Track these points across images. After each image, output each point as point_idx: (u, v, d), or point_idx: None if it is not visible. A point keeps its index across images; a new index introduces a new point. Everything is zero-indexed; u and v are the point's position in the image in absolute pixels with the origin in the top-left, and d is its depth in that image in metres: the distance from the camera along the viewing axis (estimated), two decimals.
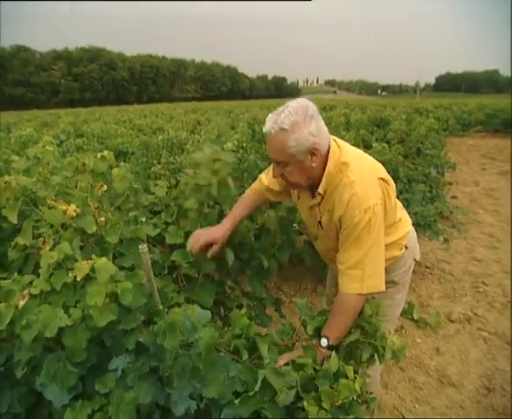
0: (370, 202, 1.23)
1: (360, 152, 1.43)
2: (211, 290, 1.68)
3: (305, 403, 0.96)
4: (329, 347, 1.24)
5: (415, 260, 1.63)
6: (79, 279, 1.14)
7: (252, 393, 1.04)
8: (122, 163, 4.93)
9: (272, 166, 1.41)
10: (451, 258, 4.08)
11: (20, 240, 1.47)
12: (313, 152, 1.24)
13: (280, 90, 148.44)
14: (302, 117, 1.18)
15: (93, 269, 1.17)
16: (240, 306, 1.79)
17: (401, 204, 1.58)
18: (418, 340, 2.75)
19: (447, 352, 2.63)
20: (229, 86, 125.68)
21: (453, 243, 4.32)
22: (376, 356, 1.24)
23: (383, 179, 1.33)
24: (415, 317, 2.91)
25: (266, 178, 1.60)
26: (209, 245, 1.51)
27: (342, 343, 1.28)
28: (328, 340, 1.25)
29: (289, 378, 1.05)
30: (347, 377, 1.04)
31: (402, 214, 1.54)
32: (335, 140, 1.35)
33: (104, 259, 1.19)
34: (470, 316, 3.01)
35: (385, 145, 3.41)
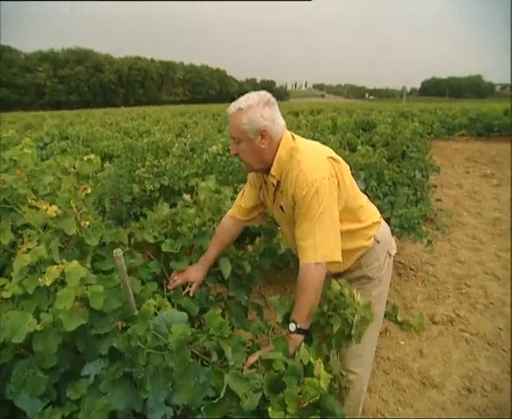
0: (316, 175, 1.30)
1: (314, 142, 1.53)
2: (199, 297, 1.65)
3: (269, 410, 0.94)
4: (299, 331, 1.25)
5: (390, 255, 1.65)
6: (48, 284, 1.10)
7: (217, 400, 1.02)
8: (107, 165, 4.84)
9: (243, 189, 1.68)
10: (435, 260, 4.12)
11: (1, 239, 1.42)
12: (263, 134, 1.36)
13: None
14: (257, 101, 1.35)
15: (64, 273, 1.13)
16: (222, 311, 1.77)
17: (366, 197, 1.64)
18: (402, 343, 2.76)
19: (430, 354, 2.65)
20: (217, 90, 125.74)
21: (437, 245, 4.38)
22: (346, 330, 1.23)
23: (332, 158, 1.41)
24: (399, 319, 2.93)
25: (240, 198, 1.69)
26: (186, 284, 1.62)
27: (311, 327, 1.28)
28: (295, 323, 1.26)
29: (254, 381, 1.03)
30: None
31: (366, 204, 1.59)
32: (292, 135, 1.46)
33: (75, 263, 1.16)
34: (453, 317, 3.04)
35: (370, 148, 3.44)
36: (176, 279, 1.59)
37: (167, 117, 15.93)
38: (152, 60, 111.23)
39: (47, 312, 1.13)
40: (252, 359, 1.19)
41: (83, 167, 1.58)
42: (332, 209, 1.31)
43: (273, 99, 1.38)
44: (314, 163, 1.34)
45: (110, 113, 21.11)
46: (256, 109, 1.33)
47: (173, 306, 1.61)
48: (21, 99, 72.71)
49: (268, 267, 1.81)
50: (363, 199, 1.60)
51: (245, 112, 1.34)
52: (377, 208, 3.17)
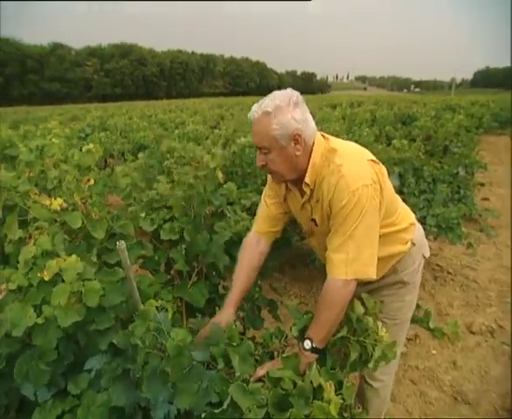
0: (359, 183, 1.16)
1: (348, 142, 1.38)
2: (204, 289, 1.62)
3: None
4: (313, 350, 1.15)
5: (424, 257, 1.53)
6: (46, 279, 1.09)
7: (220, 410, 0.95)
8: (141, 154, 4.95)
9: (262, 198, 1.49)
10: (476, 264, 3.81)
11: (8, 234, 1.46)
12: (296, 138, 1.20)
13: (308, 86, 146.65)
14: (286, 102, 1.18)
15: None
16: None
17: (399, 197, 1.49)
18: (434, 352, 2.57)
19: (465, 366, 2.44)
20: (257, 82, 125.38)
21: (481, 248, 4.05)
22: (363, 357, 1.12)
23: (373, 161, 1.25)
24: (431, 326, 2.73)
25: (264, 207, 1.49)
26: None
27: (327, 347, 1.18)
28: (311, 341, 1.15)
29: (259, 396, 0.95)
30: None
31: (401, 206, 1.46)
32: (323, 136, 1.31)
33: (73, 257, 1.14)
34: (494, 328, 2.79)
35: (405, 142, 3.21)
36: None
37: (204, 109, 16.11)
38: (193, 53, 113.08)
39: (49, 305, 1.12)
40: (260, 372, 1.11)
41: (83, 158, 1.57)
42: (371, 221, 1.18)
43: (301, 98, 1.22)
44: (357, 168, 1.19)
45: (151, 106, 21.72)
46: (286, 111, 1.17)
47: (179, 299, 1.60)
48: (71, 92, 77.03)
49: (282, 260, 1.71)
50: (399, 201, 1.46)
51: (273, 115, 1.16)
52: (412, 206, 2.99)
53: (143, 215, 2.06)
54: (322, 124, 6.81)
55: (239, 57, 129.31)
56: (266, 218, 1.48)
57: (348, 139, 3.51)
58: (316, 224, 1.34)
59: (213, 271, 1.71)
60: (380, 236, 1.25)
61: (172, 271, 1.75)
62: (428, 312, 2.79)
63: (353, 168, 1.19)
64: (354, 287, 1.17)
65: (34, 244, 1.26)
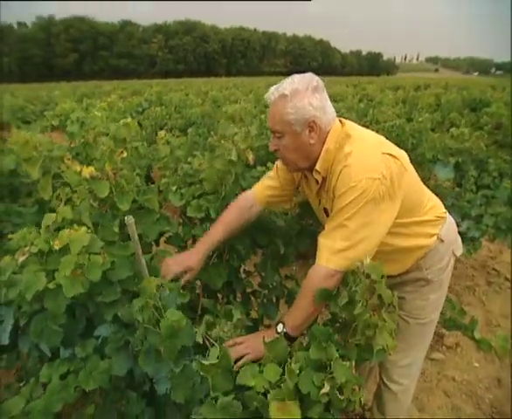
0: (363, 175, 1.07)
1: (368, 131, 1.27)
2: (223, 271, 1.58)
3: None
4: (286, 336, 1.10)
5: (455, 256, 1.39)
6: (57, 248, 1.12)
7: None
8: (190, 130, 5.04)
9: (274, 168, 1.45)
10: None
11: (43, 195, 1.53)
12: (311, 126, 1.15)
13: (374, 67, 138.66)
14: (305, 86, 1.13)
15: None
16: (252, 293, 1.66)
17: (429, 191, 1.38)
18: (476, 365, 2.32)
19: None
20: (320, 61, 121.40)
21: None
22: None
23: (390, 154, 1.13)
24: (476, 336, 2.48)
25: (274, 175, 1.46)
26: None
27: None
28: (283, 325, 1.12)
29: (232, 409, 0.91)
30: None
31: (429, 198, 1.34)
32: (341, 121, 1.24)
33: (83, 229, 1.15)
34: None
35: (465, 130, 2.87)
36: (172, 266, 1.29)
37: (261, 88, 15.98)
38: (255, 30, 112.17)
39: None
40: (240, 347, 1.11)
41: (119, 130, 1.58)
42: (371, 217, 1.08)
43: (321, 83, 1.17)
44: (365, 159, 1.11)
45: (210, 83, 22.05)
46: (304, 96, 1.12)
47: (196, 279, 1.58)
48: (136, 68, 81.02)
49: (306, 248, 1.62)
50: (425, 194, 1.34)
51: (290, 99, 1.12)
52: (468, 202, 2.69)
53: (174, 188, 2.07)
54: (379, 107, 6.39)
55: (302, 35, 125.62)
56: (272, 188, 1.43)
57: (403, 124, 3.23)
58: (327, 215, 1.26)
59: (234, 254, 1.67)
60: (400, 225, 1.20)
61: None
62: (475, 320, 2.53)
63: (361, 159, 1.10)
64: (337, 280, 1.09)
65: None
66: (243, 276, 1.70)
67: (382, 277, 0.96)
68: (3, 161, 2.03)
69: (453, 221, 1.40)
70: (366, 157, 1.11)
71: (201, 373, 1.01)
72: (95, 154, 1.97)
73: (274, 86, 1.18)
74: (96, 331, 1.25)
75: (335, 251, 1.09)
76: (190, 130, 4.53)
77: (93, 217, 1.42)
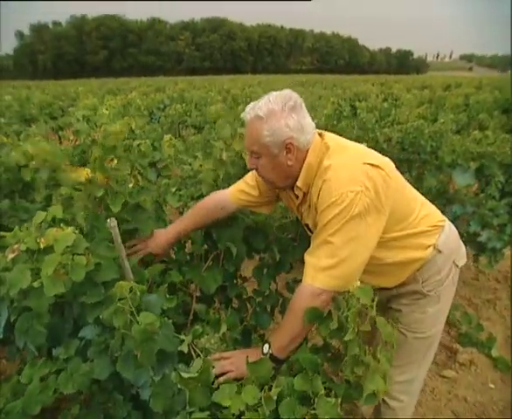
0: (344, 189, 1.02)
1: (349, 142, 1.22)
2: (218, 275, 1.53)
3: None
4: (271, 358, 1.06)
5: (456, 266, 1.30)
6: (42, 246, 1.11)
7: None
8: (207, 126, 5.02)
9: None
10: None
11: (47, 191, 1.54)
12: (289, 147, 1.11)
13: (403, 65, 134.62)
14: (281, 106, 1.09)
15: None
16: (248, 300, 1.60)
17: (422, 199, 1.31)
18: (491, 386, 2.17)
19: None
20: (347, 60, 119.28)
21: None
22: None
23: (372, 165, 1.08)
24: (493, 354, 2.33)
25: (250, 178, 1.41)
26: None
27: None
28: (269, 346, 1.08)
29: None
30: None
31: (422, 207, 1.26)
32: (320, 134, 1.20)
33: (69, 229, 1.13)
34: None
35: (489, 133, 2.69)
36: (135, 246, 1.39)
37: (284, 86, 15.85)
38: (282, 28, 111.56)
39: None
40: (225, 362, 1.07)
41: (107, 138, 1.56)
42: (356, 232, 1.03)
43: (299, 101, 1.12)
44: (345, 171, 1.07)
45: (235, 80, 22.12)
46: (280, 117, 1.08)
47: (190, 282, 1.54)
48: (163, 65, 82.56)
49: (300, 257, 1.55)
50: (417, 201, 1.27)
51: (265, 120, 1.09)
52: (489, 210, 2.52)
53: (174, 189, 2.05)
54: (403, 107, 6.16)
55: (330, 32, 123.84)
56: (249, 194, 1.39)
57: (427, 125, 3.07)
58: (310, 230, 1.22)
59: (230, 259, 1.62)
60: (391, 240, 1.16)
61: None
62: (493, 336, 2.38)
63: (340, 171, 1.07)
64: (325, 300, 1.03)
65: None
66: (239, 281, 1.66)
67: (373, 300, 0.89)
68: (13, 157, 2.07)
69: (454, 229, 1.31)
70: (346, 169, 1.07)
71: (179, 385, 0.97)
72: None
73: (251, 105, 1.14)
74: (81, 332, 1.23)
75: (320, 269, 1.04)
76: (213, 128, 4.54)
77: (88, 218, 1.41)
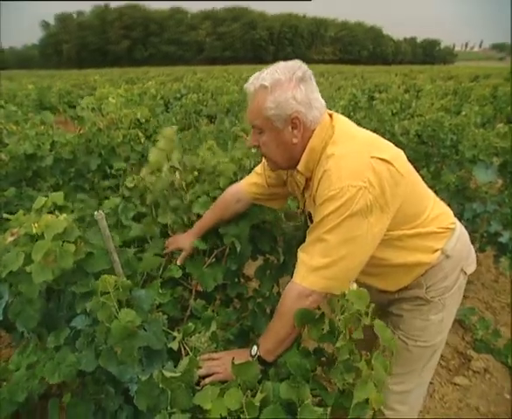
0: (345, 182, 0.92)
1: (359, 128, 1.11)
2: (219, 273, 1.47)
3: None
4: (259, 360, 1.00)
5: (464, 273, 1.19)
6: (34, 232, 1.08)
7: None
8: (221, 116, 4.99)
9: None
10: None
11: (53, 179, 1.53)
12: (294, 122, 1.01)
13: (429, 55, 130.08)
14: (288, 77, 0.99)
15: None
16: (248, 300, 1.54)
17: (433, 197, 1.19)
18: (507, 396, 2.04)
19: None
20: (370, 50, 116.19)
21: None
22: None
23: (381, 159, 0.96)
24: (510, 362, 2.20)
25: (260, 171, 1.36)
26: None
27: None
28: (257, 348, 1.02)
29: None
30: None
31: (433, 207, 1.15)
32: (330, 115, 1.09)
33: (63, 216, 1.10)
34: None
35: None
36: (168, 246, 1.44)
37: None
38: (304, 17, 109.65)
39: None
40: (213, 363, 1.03)
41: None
42: (354, 232, 0.94)
43: (309, 73, 1.02)
44: (348, 162, 0.96)
45: (255, 70, 21.83)
46: (287, 88, 0.98)
47: (188, 279, 1.50)
48: (184, 54, 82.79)
49: None
50: (430, 200, 1.16)
51: (270, 91, 0.98)
52: None
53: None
54: (426, 98, 5.93)
55: (353, 21, 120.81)
56: (258, 186, 1.33)
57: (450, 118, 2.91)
58: (311, 221, 1.13)
59: (233, 257, 1.56)
60: (394, 239, 1.06)
61: None
62: (511, 344, 2.23)
63: (342, 162, 0.96)
64: (314, 301, 0.96)
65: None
66: (242, 280, 1.60)
67: (368, 307, 0.81)
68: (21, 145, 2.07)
69: (464, 232, 1.20)
70: (349, 161, 0.96)
71: (160, 385, 0.93)
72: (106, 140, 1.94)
73: (255, 75, 1.04)
74: (72, 321, 1.21)
75: (311, 269, 0.96)
76: (218, 118, 4.48)
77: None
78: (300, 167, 1.07)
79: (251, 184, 1.35)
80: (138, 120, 2.23)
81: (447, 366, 2.18)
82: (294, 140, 1.03)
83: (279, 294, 1.51)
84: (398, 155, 1.04)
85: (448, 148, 2.65)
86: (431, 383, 2.03)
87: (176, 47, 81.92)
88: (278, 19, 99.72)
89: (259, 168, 1.34)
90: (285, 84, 0.97)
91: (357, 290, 0.83)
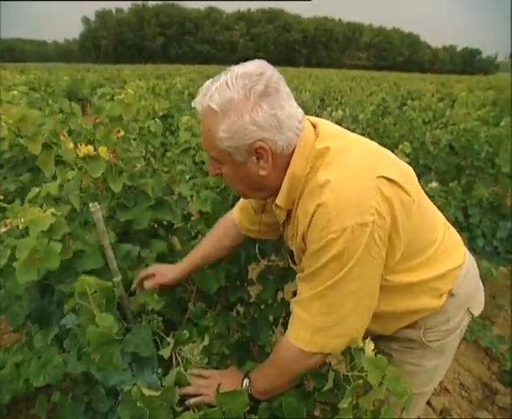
0: (348, 221, 0.72)
1: (355, 136, 0.89)
2: (222, 274, 1.39)
3: None
4: (249, 396, 0.88)
5: (470, 314, 0.99)
6: (20, 227, 1.03)
7: None
8: None
9: None
10: None
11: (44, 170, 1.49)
12: (259, 152, 0.78)
13: (468, 64, 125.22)
14: (243, 94, 0.74)
15: None
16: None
17: (443, 222, 0.98)
18: None
19: None
20: (406, 56, 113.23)
21: None
22: None
23: (389, 180, 0.76)
24: None
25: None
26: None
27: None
28: (249, 383, 0.91)
29: None
30: None
31: (443, 238, 0.93)
32: (312, 123, 0.86)
33: (49, 211, 1.04)
34: None
35: None
36: (146, 279, 1.16)
37: (333, 80, 15.38)
38: (340, 21, 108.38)
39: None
40: (200, 382, 0.94)
41: (114, 108, 1.45)
42: (362, 276, 0.76)
43: (275, 79, 0.77)
44: (350, 191, 0.74)
45: (284, 72, 21.76)
46: (243, 110, 0.74)
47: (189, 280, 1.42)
48: (217, 54, 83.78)
49: None
50: (439, 228, 0.95)
51: (221, 116, 0.75)
52: None
53: (188, 177, 1.93)
54: (458, 108, 5.63)
55: (390, 27, 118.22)
56: (246, 212, 1.11)
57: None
58: (294, 261, 0.96)
59: (234, 258, 1.47)
60: (399, 286, 0.87)
61: None
62: None
63: (343, 192, 0.74)
64: (319, 361, 0.83)
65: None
66: (245, 285, 1.51)
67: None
68: None
69: (473, 263, 1.01)
70: (351, 188, 0.74)
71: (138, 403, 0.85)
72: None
73: (204, 86, 0.80)
74: (63, 319, 1.16)
75: (314, 329, 0.79)
76: None
77: (84, 197, 1.34)
78: (279, 201, 0.85)
79: (239, 213, 1.13)
80: (155, 112, 2.18)
81: (469, 397, 1.99)
82: (262, 172, 0.81)
83: (283, 301, 1.40)
84: (406, 173, 0.85)
85: (483, 161, 2.45)
86: (450, 414, 1.86)
87: (209, 46, 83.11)
88: (313, 22, 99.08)
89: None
90: (239, 105, 0.74)
91: (374, 357, 0.71)
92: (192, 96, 7.61)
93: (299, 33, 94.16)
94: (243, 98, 0.74)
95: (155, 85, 5.56)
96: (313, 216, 0.76)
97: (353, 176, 0.76)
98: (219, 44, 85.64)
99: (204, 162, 1.89)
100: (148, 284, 1.14)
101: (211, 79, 0.80)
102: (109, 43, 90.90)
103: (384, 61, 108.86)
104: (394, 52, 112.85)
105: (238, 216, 1.14)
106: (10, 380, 1.07)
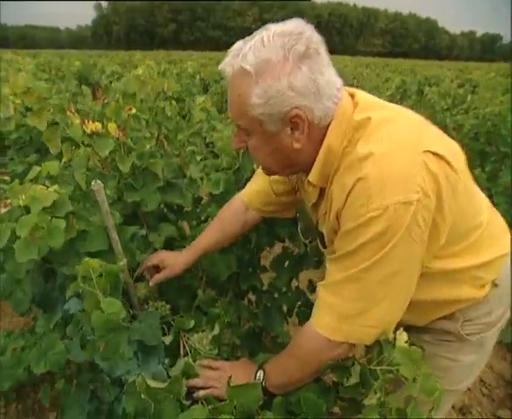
0: (391, 199, 0.64)
1: (398, 108, 0.81)
2: (234, 261, 1.32)
3: None
4: (263, 389, 0.81)
5: None
6: (21, 204, 0.97)
7: None
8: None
9: None
10: None
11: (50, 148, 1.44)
12: (294, 121, 0.70)
13: (488, 51, 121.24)
14: (282, 55, 0.66)
15: None
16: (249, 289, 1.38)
17: (489, 206, 0.89)
18: None
19: None
20: (422, 43, 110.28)
21: None
22: None
23: (435, 154, 0.67)
24: None
25: (260, 177, 1.08)
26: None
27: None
28: (264, 375, 0.84)
29: None
30: None
31: (488, 222, 0.85)
32: (350, 94, 0.78)
33: (52, 188, 0.98)
34: None
35: None
36: (148, 261, 1.12)
37: (347, 66, 15.05)
38: (354, 6, 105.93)
39: None
40: (209, 373, 0.88)
41: (129, 84, 1.38)
42: (402, 259, 0.69)
43: (315, 40, 0.69)
44: (395, 165, 0.67)
45: None
46: (280, 72, 0.66)
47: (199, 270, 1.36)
48: (229, 40, 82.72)
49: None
50: (484, 212, 0.86)
51: (255, 78, 0.67)
52: None
53: (199, 158, 1.86)
54: (481, 93, 5.40)
55: (406, 13, 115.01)
56: (262, 193, 1.04)
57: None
58: (324, 244, 0.88)
59: (247, 244, 1.40)
60: (438, 273, 0.80)
61: None
62: None
63: (387, 165, 0.66)
64: (344, 352, 0.75)
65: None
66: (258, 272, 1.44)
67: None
68: None
69: None
70: (396, 162, 0.67)
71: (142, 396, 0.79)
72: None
73: (235, 46, 0.72)
74: (66, 304, 1.10)
75: (342, 316, 0.72)
76: None
77: (90, 177, 1.27)
78: (312, 177, 0.77)
79: (252, 194, 1.06)
80: (164, 92, 2.10)
81: (491, 395, 1.91)
82: (296, 145, 0.73)
83: (298, 290, 1.32)
84: (454, 149, 0.77)
85: (510, 147, 2.32)
86: (470, 412, 1.78)
87: (221, 32, 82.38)
88: (326, 8, 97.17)
89: (257, 174, 1.07)
90: (277, 66, 0.66)
91: (408, 349, 0.63)
92: (203, 81, 7.51)
93: (312, 19, 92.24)
94: (281, 58, 0.66)
95: (166, 70, 5.49)
96: (350, 191, 0.68)
97: (398, 150, 0.68)
98: (231, 30, 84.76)
99: (214, 145, 1.82)
100: (154, 279, 1.10)
101: (241, 40, 0.73)
102: (121, 29, 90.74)
103: (399, 48, 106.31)
104: (410, 39, 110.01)
105: (249, 196, 1.07)
106: (10, 366, 1.02)
